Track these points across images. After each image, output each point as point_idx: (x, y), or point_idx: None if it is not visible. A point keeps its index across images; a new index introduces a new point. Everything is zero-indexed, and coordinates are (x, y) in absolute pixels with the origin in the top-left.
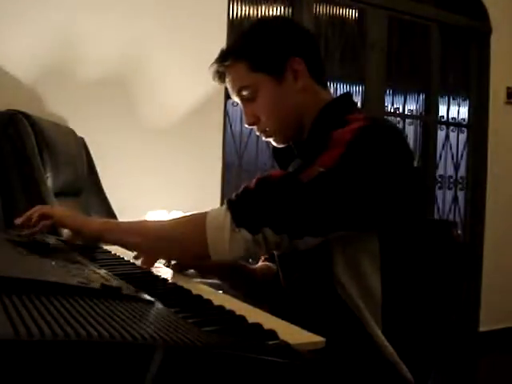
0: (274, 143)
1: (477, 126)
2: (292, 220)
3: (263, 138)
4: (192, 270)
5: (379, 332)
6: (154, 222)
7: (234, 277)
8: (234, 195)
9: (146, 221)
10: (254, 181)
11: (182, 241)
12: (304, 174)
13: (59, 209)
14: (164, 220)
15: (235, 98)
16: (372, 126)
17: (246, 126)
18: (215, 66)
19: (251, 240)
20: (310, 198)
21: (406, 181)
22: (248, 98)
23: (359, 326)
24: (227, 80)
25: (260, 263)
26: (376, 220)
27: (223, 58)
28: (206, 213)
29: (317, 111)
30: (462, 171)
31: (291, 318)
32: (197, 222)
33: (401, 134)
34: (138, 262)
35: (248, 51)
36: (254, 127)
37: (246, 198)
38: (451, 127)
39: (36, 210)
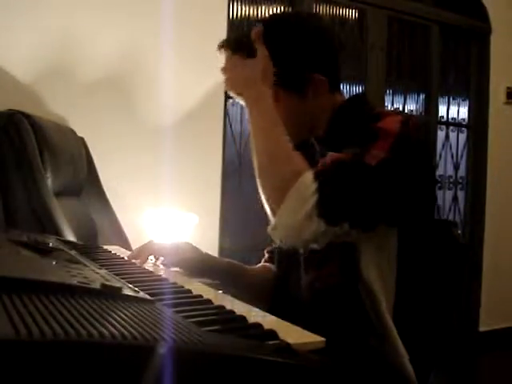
0: None
1: (477, 126)
2: (368, 213)
3: None
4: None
5: (395, 331)
6: (282, 141)
7: (228, 278)
8: (320, 178)
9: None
10: (331, 164)
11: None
12: (368, 157)
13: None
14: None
15: (242, 101)
16: (410, 121)
17: None
18: (227, 56)
19: (323, 231)
20: (381, 185)
21: (431, 178)
22: None
23: (372, 325)
24: None
25: (260, 264)
26: (411, 214)
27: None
28: (299, 176)
29: (332, 112)
30: (461, 171)
31: (295, 318)
32: (292, 174)
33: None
34: (137, 261)
35: (280, 66)
36: None
37: (332, 187)
38: (451, 127)
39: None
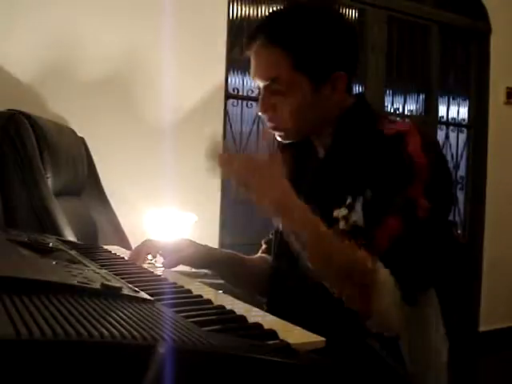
0: (280, 139)
1: (477, 126)
2: (434, 271)
3: (270, 130)
4: (186, 268)
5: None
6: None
7: (229, 269)
8: (387, 264)
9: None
10: (389, 243)
11: (349, 296)
12: (419, 211)
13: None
14: (344, 249)
15: (258, 82)
16: (432, 144)
17: (259, 112)
18: (252, 39)
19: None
20: (437, 239)
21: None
22: (275, 90)
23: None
24: (258, 60)
25: (257, 255)
26: None
27: (268, 40)
28: (376, 275)
29: (339, 114)
30: (461, 171)
31: (292, 314)
32: (368, 274)
33: None
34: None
35: (300, 49)
36: (264, 116)
37: (403, 270)
38: (451, 127)
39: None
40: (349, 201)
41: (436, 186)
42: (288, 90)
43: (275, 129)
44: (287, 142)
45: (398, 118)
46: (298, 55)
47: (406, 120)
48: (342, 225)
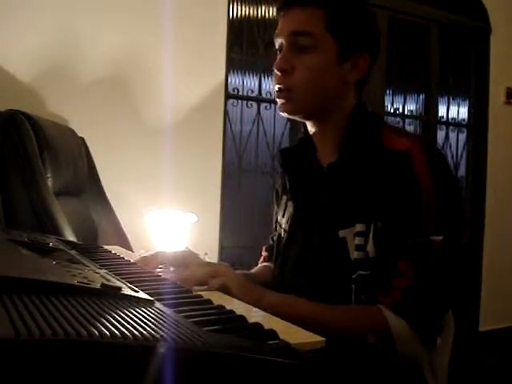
0: (282, 107)
1: (476, 126)
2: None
3: (275, 95)
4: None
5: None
6: (327, 312)
7: None
8: (405, 300)
9: (322, 308)
10: (409, 275)
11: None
12: (434, 249)
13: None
14: (337, 311)
15: (283, 38)
16: (439, 160)
17: (274, 69)
18: None
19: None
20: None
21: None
22: (300, 46)
23: None
24: (291, 15)
25: (258, 266)
26: None
27: None
28: (386, 319)
29: (345, 116)
30: (461, 171)
31: None
32: (379, 327)
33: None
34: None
35: (335, 10)
36: (278, 75)
37: (420, 310)
38: (451, 127)
39: (218, 271)
40: (361, 229)
41: (446, 208)
42: (314, 47)
43: (283, 93)
44: (287, 115)
45: (399, 126)
46: (332, 15)
47: (409, 132)
48: (356, 254)
